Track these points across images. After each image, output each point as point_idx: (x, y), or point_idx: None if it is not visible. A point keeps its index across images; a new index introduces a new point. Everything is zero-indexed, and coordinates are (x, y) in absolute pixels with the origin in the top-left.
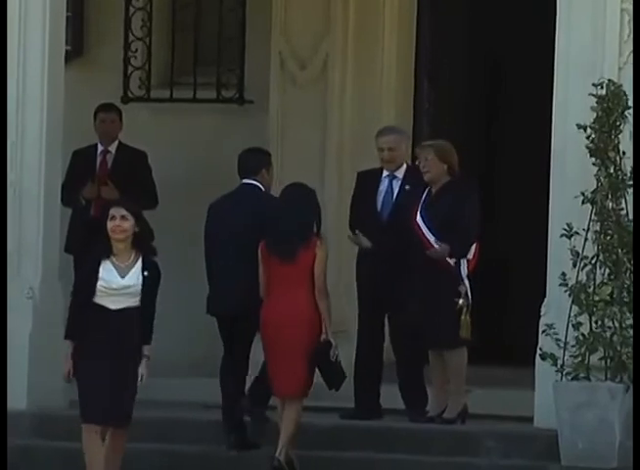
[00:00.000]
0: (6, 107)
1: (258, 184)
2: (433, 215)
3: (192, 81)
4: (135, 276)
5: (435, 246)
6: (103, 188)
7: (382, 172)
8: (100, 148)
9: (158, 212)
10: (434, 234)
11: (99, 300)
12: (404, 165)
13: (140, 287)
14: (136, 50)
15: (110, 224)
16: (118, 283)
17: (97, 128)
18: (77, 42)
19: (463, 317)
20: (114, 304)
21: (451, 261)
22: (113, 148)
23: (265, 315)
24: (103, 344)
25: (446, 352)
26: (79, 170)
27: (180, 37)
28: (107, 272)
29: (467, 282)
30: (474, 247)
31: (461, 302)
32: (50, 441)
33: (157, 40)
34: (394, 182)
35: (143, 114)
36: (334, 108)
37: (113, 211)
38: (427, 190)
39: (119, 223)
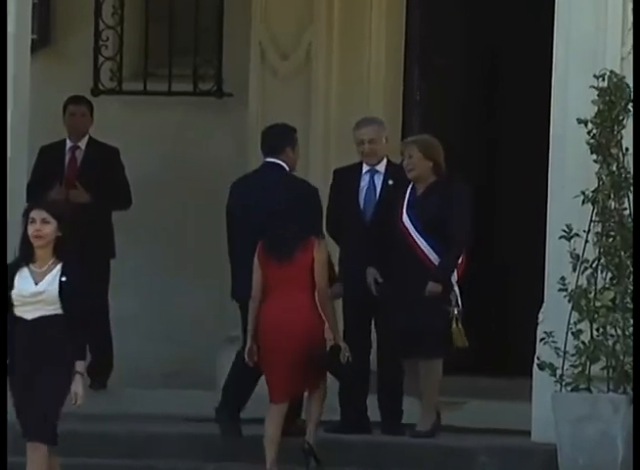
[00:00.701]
0: (6, 107)
1: (282, 163)
2: (419, 215)
3: (167, 73)
4: (48, 282)
5: (422, 247)
6: (71, 191)
7: (361, 168)
8: (69, 144)
9: (130, 212)
10: (421, 235)
11: (17, 310)
12: (385, 159)
13: (56, 293)
14: (107, 39)
15: (30, 229)
16: (30, 290)
17: (66, 122)
18: (44, 31)
19: (455, 326)
20: (29, 313)
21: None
22: (82, 144)
23: (264, 320)
24: (22, 358)
25: (424, 361)
26: (47, 168)
27: (154, 26)
28: (22, 280)
29: (457, 289)
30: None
31: (454, 310)
32: None
33: (129, 29)
34: (376, 177)
35: (114, 107)
36: (318, 101)
37: (33, 214)
38: (410, 187)
39: (40, 227)
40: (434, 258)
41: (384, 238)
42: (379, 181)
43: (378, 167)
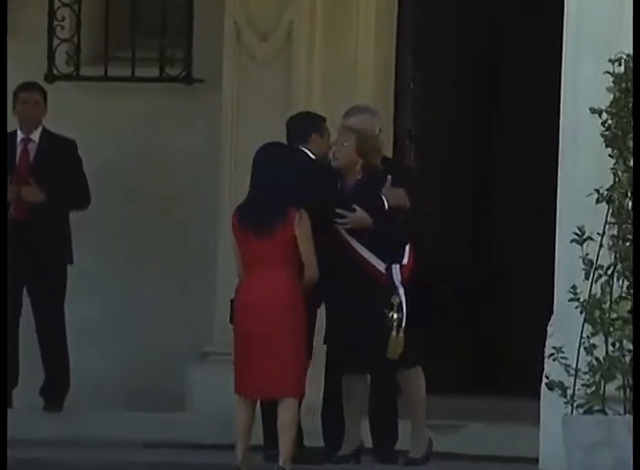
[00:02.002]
0: (6, 106)
1: (307, 151)
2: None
3: (130, 56)
4: None
5: (356, 249)
6: (23, 189)
7: None
8: (20, 135)
9: (89, 211)
10: (353, 237)
11: None
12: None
13: None
14: (63, 19)
15: None
16: None
17: (17, 112)
18: None
19: (394, 333)
20: None
21: (380, 267)
22: (35, 136)
23: (240, 300)
24: None
25: (398, 374)
26: None
27: (116, 3)
28: None
29: (401, 291)
30: (407, 248)
31: (394, 316)
32: None
33: (88, 7)
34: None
35: (71, 95)
36: (299, 87)
37: None
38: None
39: None
40: (372, 260)
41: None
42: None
43: None
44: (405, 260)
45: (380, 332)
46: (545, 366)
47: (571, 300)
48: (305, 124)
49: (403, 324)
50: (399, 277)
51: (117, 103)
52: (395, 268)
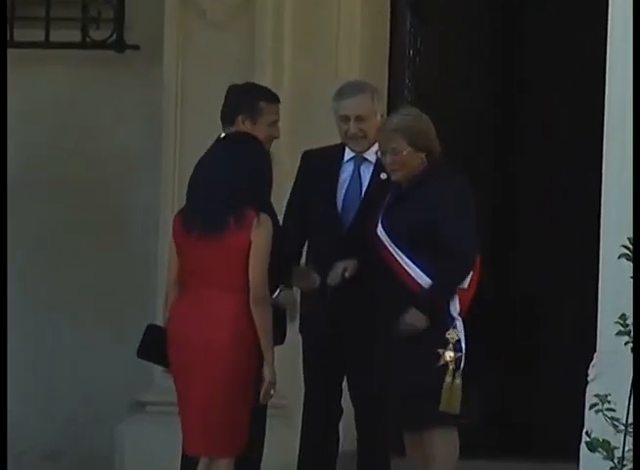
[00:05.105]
0: (6, 106)
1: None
2: (399, 222)
3: (43, 15)
4: None
5: (409, 270)
6: None
7: (343, 153)
8: None
9: None
10: (402, 250)
11: None
12: (377, 143)
13: None
14: None
15: None
16: None
17: None
18: None
19: (449, 379)
20: None
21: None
22: None
23: (171, 328)
24: None
25: (425, 433)
26: None
27: None
28: None
29: (459, 325)
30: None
31: (448, 355)
32: None
33: None
34: (363, 168)
35: None
36: (264, 54)
37: None
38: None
39: None
40: (424, 282)
41: (369, 255)
42: (367, 174)
43: (367, 154)
44: (466, 284)
45: (430, 378)
46: (585, 421)
47: (619, 333)
48: (234, 101)
49: (461, 367)
50: (457, 307)
51: (27, 75)
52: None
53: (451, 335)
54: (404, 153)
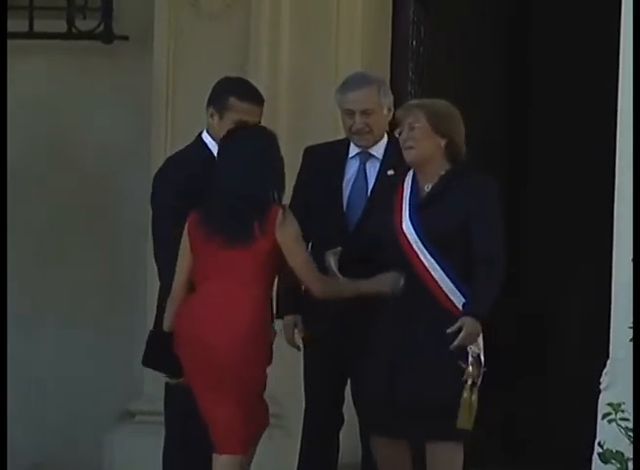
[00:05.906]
0: (6, 106)
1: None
2: (430, 224)
3: (27, 4)
4: None
5: (432, 272)
6: None
7: (348, 148)
8: None
9: None
10: (432, 255)
11: None
12: (385, 138)
13: None
14: None
15: None
16: None
17: None
18: None
19: (466, 395)
20: None
21: (456, 301)
22: None
23: (183, 328)
24: None
25: (432, 444)
26: None
27: None
28: None
29: (480, 338)
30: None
31: (469, 369)
32: None
33: None
34: (369, 165)
35: None
36: (261, 46)
37: None
38: (411, 177)
39: None
40: (448, 288)
41: (376, 254)
42: (373, 171)
43: (373, 150)
44: None
45: (450, 392)
46: (598, 431)
47: (633, 340)
48: (211, 93)
49: (478, 382)
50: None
51: (11, 67)
52: None
53: (472, 348)
54: (419, 125)
